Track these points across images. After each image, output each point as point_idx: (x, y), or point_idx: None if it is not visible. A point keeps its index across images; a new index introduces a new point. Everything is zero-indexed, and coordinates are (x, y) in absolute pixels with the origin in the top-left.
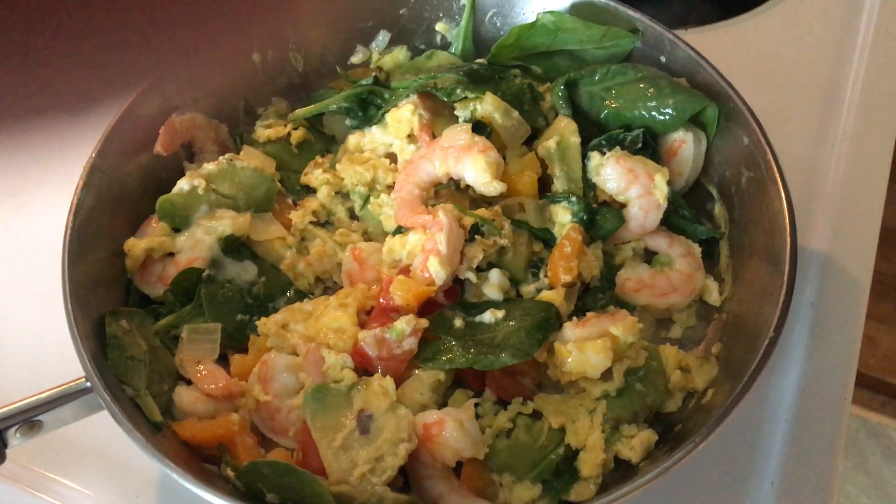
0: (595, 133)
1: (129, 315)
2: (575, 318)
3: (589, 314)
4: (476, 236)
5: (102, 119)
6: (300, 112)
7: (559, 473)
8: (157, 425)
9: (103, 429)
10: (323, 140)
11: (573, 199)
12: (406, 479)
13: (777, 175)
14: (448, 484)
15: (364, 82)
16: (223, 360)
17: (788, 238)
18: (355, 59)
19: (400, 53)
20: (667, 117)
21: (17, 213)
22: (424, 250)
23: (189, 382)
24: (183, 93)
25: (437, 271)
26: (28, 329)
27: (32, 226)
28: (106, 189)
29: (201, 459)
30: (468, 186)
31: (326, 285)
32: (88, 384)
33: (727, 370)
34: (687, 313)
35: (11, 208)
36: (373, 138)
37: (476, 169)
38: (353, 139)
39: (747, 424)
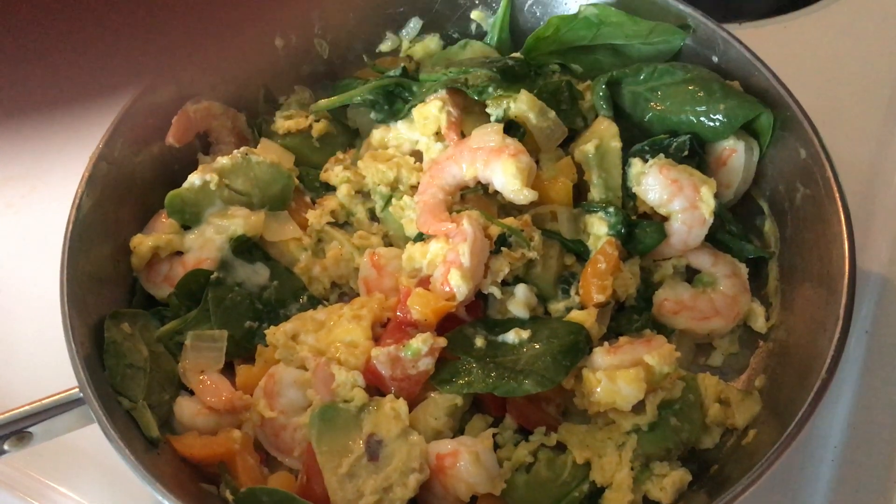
0: (637, 137)
1: (133, 317)
2: (606, 343)
3: (622, 339)
4: (503, 248)
5: (118, 106)
6: (323, 103)
7: None
8: (153, 441)
9: (103, 435)
10: (346, 133)
11: (611, 209)
12: None
13: (837, 195)
14: None
15: (392, 73)
16: (229, 369)
17: (847, 266)
18: (384, 46)
19: (432, 42)
20: (717, 124)
21: (28, 197)
22: (446, 261)
23: (192, 391)
24: (199, 79)
25: (458, 285)
26: (32, 328)
27: (43, 215)
28: (113, 181)
29: (200, 477)
30: (497, 192)
31: (342, 291)
32: (81, 395)
33: (772, 408)
34: (729, 339)
35: (23, 192)
36: (398, 134)
37: (506, 174)
38: (377, 134)
39: (789, 463)
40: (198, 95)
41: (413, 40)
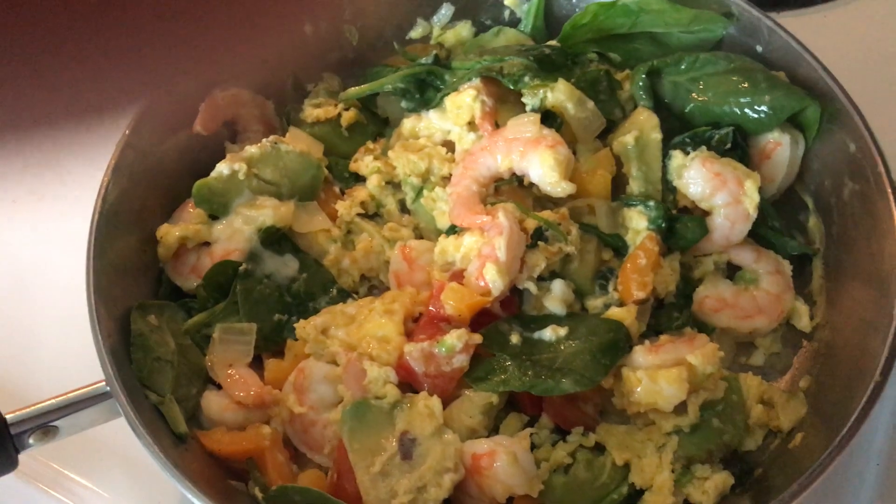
0: (678, 129)
1: (160, 309)
2: (647, 342)
3: (663, 337)
4: (539, 242)
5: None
6: (352, 91)
7: None
8: (180, 436)
9: (128, 429)
10: (376, 122)
11: (651, 203)
12: None
13: (889, 190)
14: None
15: (423, 61)
16: (258, 363)
17: None
18: (414, 33)
19: (464, 29)
20: (761, 115)
21: (53, 185)
22: (481, 255)
23: (219, 386)
24: (227, 66)
25: (493, 280)
26: (58, 320)
27: (68, 204)
28: (139, 169)
29: (228, 474)
30: (532, 184)
31: (372, 283)
32: (108, 389)
33: (818, 411)
34: (772, 338)
35: (47, 180)
36: (429, 124)
37: (543, 166)
38: (407, 123)
39: (833, 470)
40: (225, 83)
41: (444, 27)
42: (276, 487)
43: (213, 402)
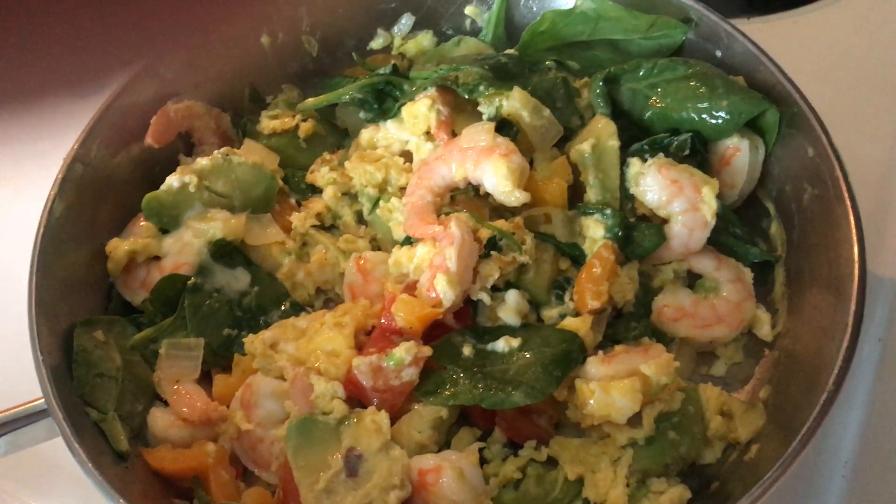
0: (637, 137)
1: (108, 324)
2: (601, 352)
3: (618, 348)
4: (492, 252)
5: (96, 103)
6: (310, 102)
7: None
8: (121, 455)
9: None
10: (335, 134)
11: (608, 211)
12: None
13: (846, 196)
14: None
15: (382, 71)
16: (207, 379)
17: (857, 270)
18: (375, 44)
19: (425, 39)
20: (720, 121)
21: (7, 198)
22: (432, 266)
23: (167, 402)
24: (182, 77)
25: (444, 291)
26: (4, 335)
27: (20, 216)
28: (89, 183)
29: (173, 493)
30: (489, 193)
31: (328, 297)
32: (46, 406)
33: (777, 420)
34: (733, 348)
35: (7, 194)
36: (387, 134)
37: (496, 175)
38: (366, 134)
39: (797, 479)
40: (180, 94)
41: (405, 37)
42: None
43: (159, 419)
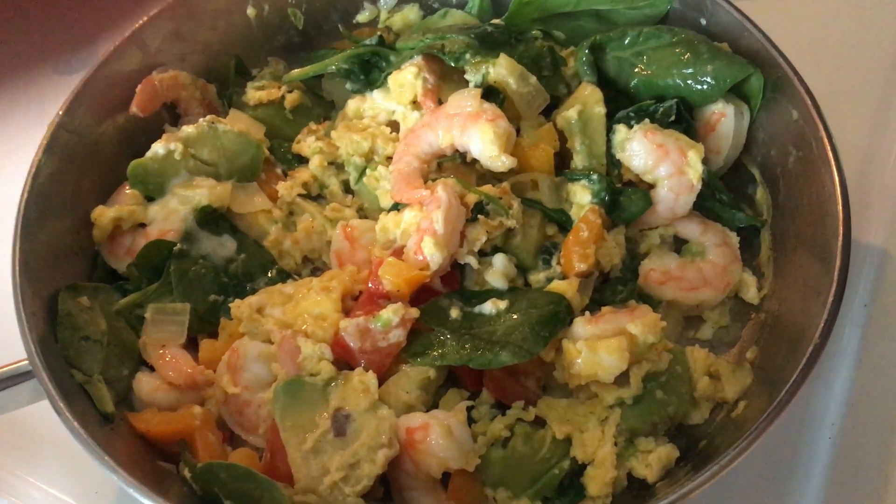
0: (623, 105)
1: (93, 291)
2: (588, 313)
3: (604, 309)
4: (480, 216)
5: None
6: (295, 73)
7: (563, 490)
8: (107, 416)
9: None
10: (321, 105)
11: (594, 177)
12: (387, 488)
13: (830, 155)
14: (433, 497)
15: (368, 42)
16: (193, 346)
17: (841, 228)
18: (361, 17)
19: (411, 12)
20: (705, 86)
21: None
22: (419, 229)
23: (152, 367)
24: (168, 48)
25: (431, 254)
26: None
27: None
28: (74, 151)
29: (159, 456)
30: (475, 160)
31: (315, 266)
32: (31, 367)
33: (763, 379)
34: (720, 311)
35: None
36: (373, 104)
37: (483, 140)
38: (352, 104)
39: (785, 442)
40: (166, 65)
41: (391, 10)
42: (201, 465)
43: (144, 383)
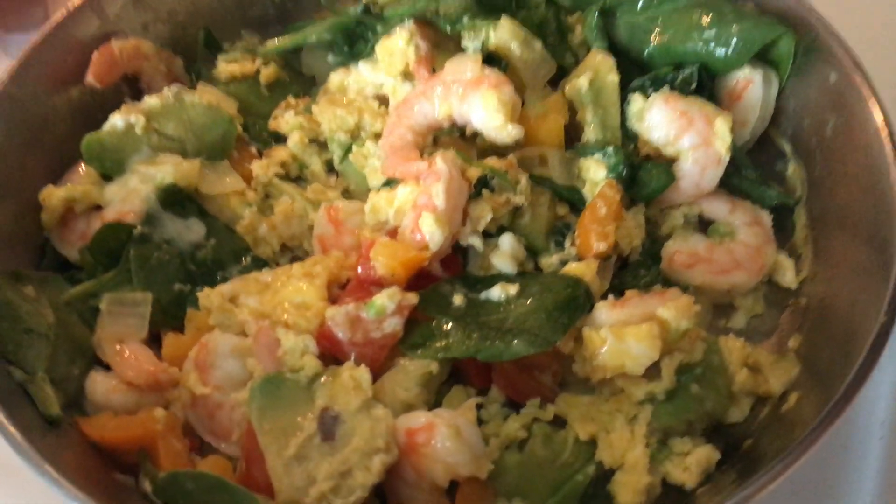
0: (637, 75)
1: (41, 281)
2: (611, 296)
3: (629, 293)
4: (485, 190)
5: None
6: (273, 45)
7: (587, 501)
8: (52, 420)
9: None
10: (300, 82)
11: (609, 150)
12: (384, 502)
13: (878, 118)
14: None
15: (353, 10)
16: (155, 343)
17: None
18: None
19: None
20: (729, 50)
21: None
22: (416, 206)
23: (108, 367)
24: (128, 15)
25: (431, 232)
26: None
27: None
28: (20, 124)
29: (115, 467)
30: (476, 134)
31: (295, 255)
32: None
33: (812, 371)
34: (753, 298)
35: None
36: (359, 77)
37: (486, 108)
38: (335, 78)
39: (832, 442)
40: (125, 33)
41: None
42: (164, 474)
43: (98, 384)
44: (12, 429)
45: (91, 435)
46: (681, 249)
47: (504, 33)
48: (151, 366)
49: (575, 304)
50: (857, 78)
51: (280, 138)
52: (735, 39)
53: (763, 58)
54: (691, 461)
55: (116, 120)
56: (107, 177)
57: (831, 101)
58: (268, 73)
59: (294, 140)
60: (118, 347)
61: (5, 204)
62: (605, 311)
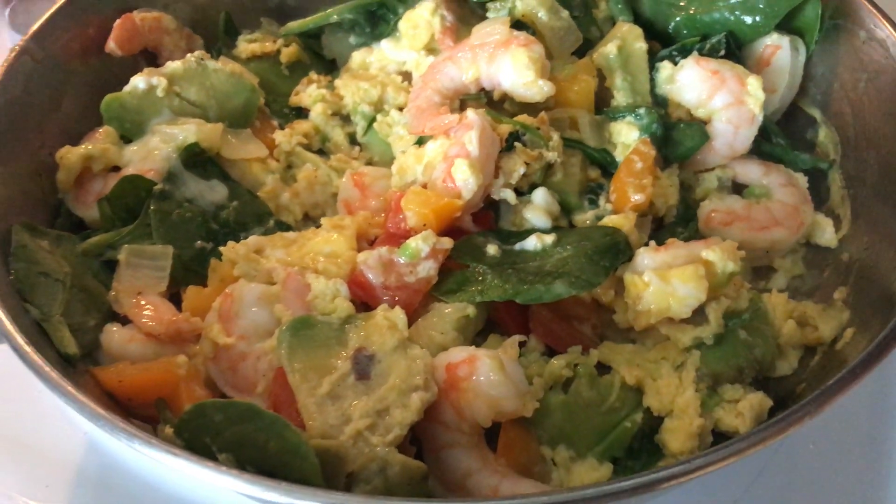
0: (661, 49)
1: (56, 238)
2: (653, 242)
3: (670, 240)
4: (517, 144)
5: None
6: (294, 25)
7: (633, 454)
8: (69, 359)
9: (8, 403)
10: (320, 64)
11: (641, 111)
12: (420, 449)
13: None
14: (477, 456)
15: None
16: (174, 302)
17: None
18: None
19: None
20: (757, 17)
21: None
22: (447, 157)
23: (125, 323)
24: None
25: (465, 178)
26: None
27: None
28: (39, 81)
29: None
30: (503, 100)
31: (317, 225)
32: None
33: (861, 316)
34: (791, 259)
35: None
36: (382, 55)
37: (516, 66)
38: (357, 56)
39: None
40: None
41: None
42: (190, 407)
43: (115, 334)
44: (38, 360)
45: (107, 382)
46: (717, 209)
47: (531, 0)
48: (172, 315)
49: (616, 249)
50: (887, 29)
51: (302, 114)
52: (761, 5)
53: (790, 27)
54: (744, 406)
55: (138, 81)
56: (126, 140)
57: (862, 60)
58: (289, 52)
59: (317, 111)
60: (136, 299)
61: (22, 162)
62: (647, 256)
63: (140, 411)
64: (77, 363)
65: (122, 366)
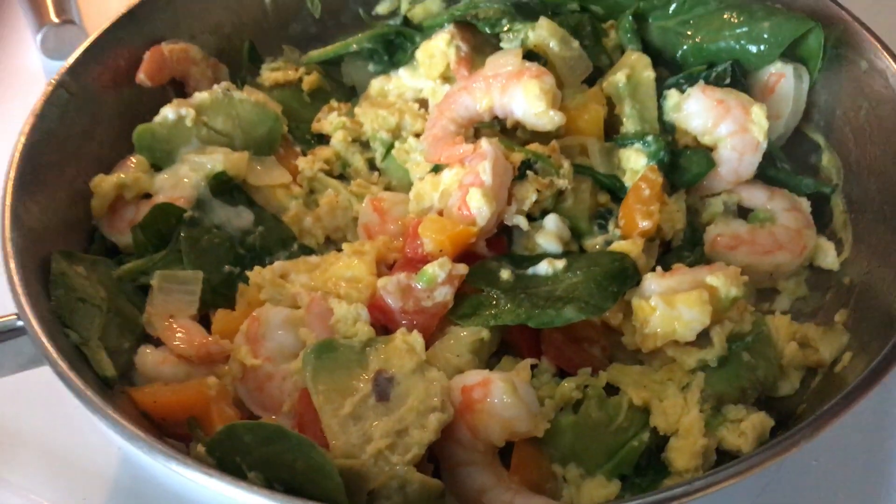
0: (670, 77)
1: (92, 264)
2: (659, 268)
3: (676, 266)
4: (529, 172)
5: None
6: (315, 54)
7: (640, 471)
8: (107, 382)
9: (47, 419)
10: (341, 91)
11: (649, 138)
12: (437, 467)
13: None
14: (491, 473)
15: (392, 22)
16: (204, 324)
17: None
18: (381, 8)
19: (433, 3)
20: (761, 46)
21: None
22: (462, 185)
23: (158, 346)
24: (176, 24)
25: (479, 206)
26: None
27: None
28: (74, 114)
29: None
30: (516, 127)
31: (339, 248)
32: (20, 323)
33: (862, 338)
34: (795, 281)
35: None
36: (399, 83)
37: (528, 96)
38: (375, 84)
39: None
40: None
41: (413, 1)
42: (221, 428)
43: (149, 356)
44: (78, 383)
45: (142, 402)
46: (723, 233)
47: (543, 31)
48: (203, 338)
49: (624, 274)
50: (887, 61)
51: (323, 140)
52: (766, 35)
53: (793, 55)
54: (746, 426)
55: (168, 112)
56: (156, 168)
57: (863, 88)
58: (310, 80)
59: (337, 138)
60: (169, 322)
61: (60, 191)
62: (654, 281)
63: (172, 429)
64: (114, 384)
65: (157, 387)
